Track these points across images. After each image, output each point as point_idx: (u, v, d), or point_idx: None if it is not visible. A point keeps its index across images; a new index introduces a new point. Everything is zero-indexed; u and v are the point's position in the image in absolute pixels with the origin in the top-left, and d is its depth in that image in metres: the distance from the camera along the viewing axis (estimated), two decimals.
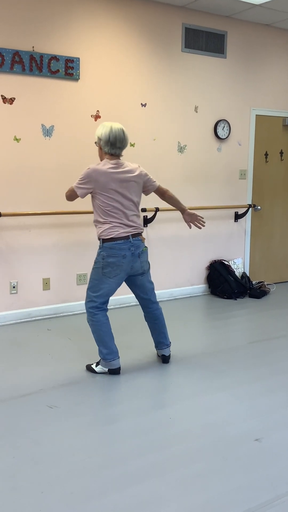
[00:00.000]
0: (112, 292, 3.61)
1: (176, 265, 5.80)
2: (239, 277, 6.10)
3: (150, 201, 5.24)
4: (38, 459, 2.63)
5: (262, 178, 6.35)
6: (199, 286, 6.03)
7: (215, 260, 6.04)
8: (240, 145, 6.07)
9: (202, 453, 2.69)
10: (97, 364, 3.72)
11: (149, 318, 3.85)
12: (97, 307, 3.60)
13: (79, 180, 3.50)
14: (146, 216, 5.41)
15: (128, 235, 3.53)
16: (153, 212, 5.38)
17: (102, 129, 3.48)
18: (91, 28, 4.91)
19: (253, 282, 6.22)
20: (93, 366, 3.73)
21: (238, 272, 6.17)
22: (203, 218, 3.85)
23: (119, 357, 3.69)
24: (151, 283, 3.79)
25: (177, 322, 4.94)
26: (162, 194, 3.76)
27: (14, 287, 4.82)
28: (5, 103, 4.56)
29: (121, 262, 3.51)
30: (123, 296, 5.19)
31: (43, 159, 4.82)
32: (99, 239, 3.55)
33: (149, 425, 2.98)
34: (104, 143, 3.47)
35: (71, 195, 3.58)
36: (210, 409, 3.18)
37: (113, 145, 3.47)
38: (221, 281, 5.90)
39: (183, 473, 2.52)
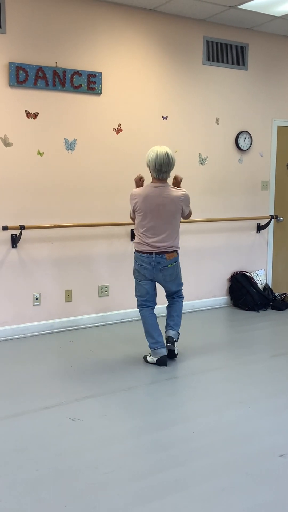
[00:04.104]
0: (149, 292, 4.07)
1: (197, 276, 5.79)
2: (262, 289, 6.05)
3: None
4: (61, 472, 2.63)
5: (285, 189, 6.31)
6: (221, 298, 6.00)
7: (237, 272, 6.01)
8: (262, 156, 6.05)
9: (225, 468, 2.67)
10: (150, 355, 4.13)
11: (168, 302, 4.31)
12: (141, 305, 4.12)
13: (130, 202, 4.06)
14: None
15: (152, 252, 3.96)
16: None
17: (150, 155, 3.89)
18: (113, 43, 4.97)
19: (276, 294, 6.16)
20: (148, 356, 4.14)
21: (260, 284, 6.12)
22: None
23: (164, 347, 4.05)
24: (178, 285, 4.18)
25: (199, 334, 4.92)
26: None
27: (37, 299, 4.86)
28: (29, 118, 4.64)
29: (144, 271, 4.02)
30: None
31: (66, 173, 4.88)
32: None
33: (171, 439, 2.97)
34: (152, 170, 3.93)
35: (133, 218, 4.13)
36: (233, 423, 3.15)
37: (159, 171, 3.89)
38: (243, 293, 5.86)
39: (206, 488, 2.49)
